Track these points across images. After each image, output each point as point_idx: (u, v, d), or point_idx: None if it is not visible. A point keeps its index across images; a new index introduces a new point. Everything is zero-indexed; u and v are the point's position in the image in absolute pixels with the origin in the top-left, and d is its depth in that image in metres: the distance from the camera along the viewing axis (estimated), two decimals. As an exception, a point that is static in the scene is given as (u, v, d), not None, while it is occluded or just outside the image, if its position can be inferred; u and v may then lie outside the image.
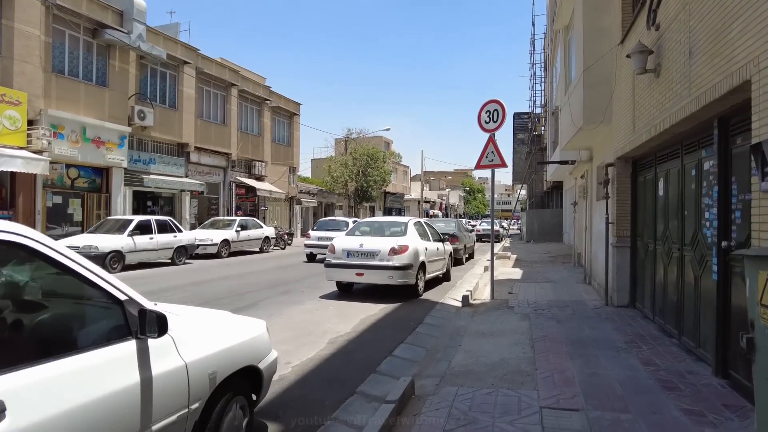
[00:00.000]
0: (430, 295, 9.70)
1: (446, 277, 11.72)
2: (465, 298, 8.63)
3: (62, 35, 16.38)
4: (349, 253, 9.04)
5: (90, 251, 12.69)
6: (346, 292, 9.88)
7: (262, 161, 27.95)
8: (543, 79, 32.31)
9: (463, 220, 39.97)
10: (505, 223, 50.09)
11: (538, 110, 34.19)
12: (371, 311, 7.92)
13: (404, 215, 56.42)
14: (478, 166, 9.28)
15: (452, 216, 78.54)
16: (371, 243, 9.05)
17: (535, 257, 18.60)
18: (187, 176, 22.42)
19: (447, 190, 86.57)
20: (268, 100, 28.52)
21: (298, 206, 32.87)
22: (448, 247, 11.87)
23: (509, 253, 19.15)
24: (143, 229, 14.33)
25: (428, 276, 10.06)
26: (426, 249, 9.81)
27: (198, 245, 17.22)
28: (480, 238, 33.77)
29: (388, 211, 53.97)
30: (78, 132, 16.52)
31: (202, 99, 23.68)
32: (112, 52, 18.09)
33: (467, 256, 18.29)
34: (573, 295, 9.28)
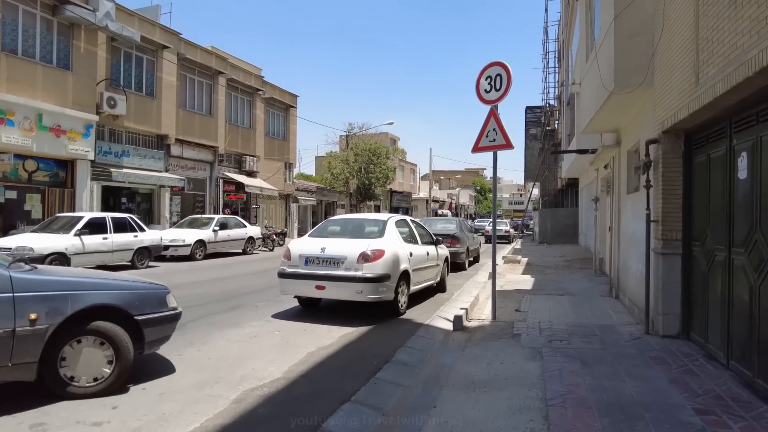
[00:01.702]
0: (415, 313, 7.66)
1: (440, 287, 9.68)
2: (457, 320, 6.59)
3: (15, 10, 14.59)
4: (308, 260, 7.02)
5: (23, 253, 10.83)
6: (310, 307, 7.88)
7: (253, 156, 26.07)
8: (557, 69, 30.25)
9: (487, 221, 37.56)
10: (530, 223, 47.01)
11: (551, 102, 32.00)
12: (327, 340, 5.90)
13: (411, 215, 54.29)
14: (477, 149, 7.24)
15: (463, 216, 76.23)
16: (336, 247, 7.02)
17: (548, 261, 16.45)
18: (167, 171, 20.60)
19: (457, 189, 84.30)
20: (260, 90, 26.63)
21: (295, 204, 30.97)
22: (443, 251, 9.82)
23: (519, 257, 17.01)
24: (96, 227, 12.47)
25: (414, 288, 8.03)
26: (411, 254, 7.77)
27: (168, 246, 15.41)
28: (489, 239, 31.69)
29: (394, 211, 51.94)
30: (32, 119, 14.73)
31: (185, 87, 21.85)
32: (76, 32, 16.30)
33: (471, 260, 16.20)
34: (599, 316, 7.17)
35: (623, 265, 8.41)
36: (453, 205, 77.68)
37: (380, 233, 7.43)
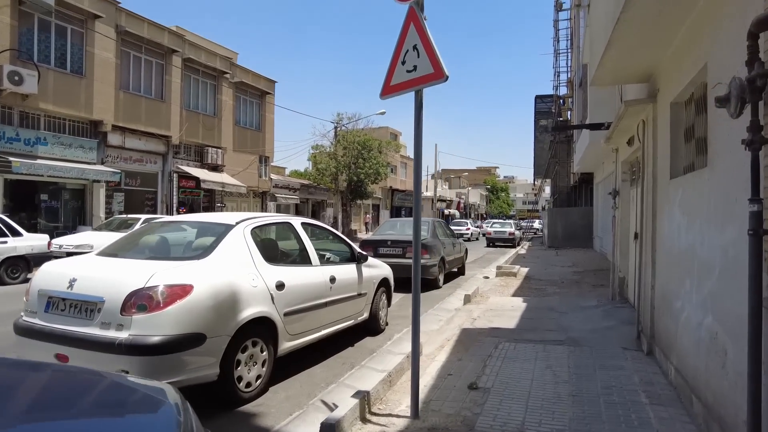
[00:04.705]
0: (284, 393, 4.26)
1: (373, 326, 6.25)
2: (327, 430, 3.16)
3: None
4: (50, 302, 3.64)
5: None
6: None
7: (218, 147, 22.84)
8: (569, 50, 26.84)
9: (492, 221, 34.03)
10: (536, 224, 44.33)
11: (563, 88, 28.36)
12: None
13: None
14: (389, 89, 3.89)
15: (473, 217, 72.09)
16: (95, 277, 3.61)
17: (553, 274, 12.87)
18: (103, 163, 17.47)
19: (467, 188, 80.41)
20: (227, 73, 23.39)
21: (273, 203, 27.70)
22: (377, 270, 6.36)
23: (517, 268, 13.40)
24: (-62, 232, 9.34)
25: (295, 343, 4.60)
26: (281, 286, 4.34)
27: (72, 254, 12.20)
28: (492, 242, 28.11)
29: (396, 210, 48.52)
30: None
31: (129, 66, 18.68)
32: (-36, -10, 13.25)
33: (455, 270, 12.72)
34: (620, 412, 3.64)
35: (663, 298, 4.90)
36: (462, 205, 73.90)
37: (209, 249, 3.98)
